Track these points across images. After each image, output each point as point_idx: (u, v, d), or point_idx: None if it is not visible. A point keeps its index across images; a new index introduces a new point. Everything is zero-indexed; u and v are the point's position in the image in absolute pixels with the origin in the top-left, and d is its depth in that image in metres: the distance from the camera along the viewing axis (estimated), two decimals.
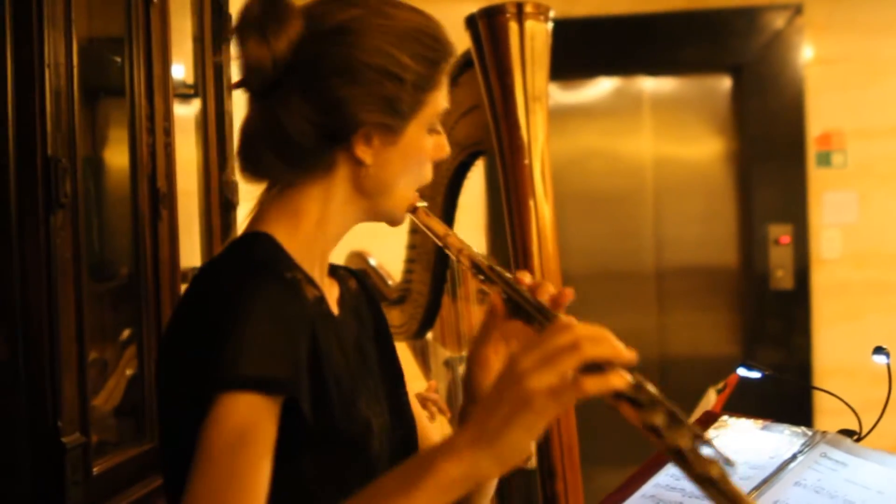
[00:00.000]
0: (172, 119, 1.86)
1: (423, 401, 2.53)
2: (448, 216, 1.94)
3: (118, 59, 1.80)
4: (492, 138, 1.78)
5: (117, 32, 1.80)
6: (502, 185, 1.76)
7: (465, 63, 1.82)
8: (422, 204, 1.31)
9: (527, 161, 1.74)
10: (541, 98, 1.76)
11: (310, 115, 1.21)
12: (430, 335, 2.81)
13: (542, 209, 1.74)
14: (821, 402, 4.49)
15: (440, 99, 1.28)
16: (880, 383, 1.32)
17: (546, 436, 1.69)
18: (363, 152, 1.23)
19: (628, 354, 1.02)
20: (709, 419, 1.28)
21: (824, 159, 4.69)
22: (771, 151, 4.72)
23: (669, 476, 1.18)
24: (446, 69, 1.29)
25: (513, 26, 1.72)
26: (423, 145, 1.27)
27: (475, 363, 1.30)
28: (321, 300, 1.25)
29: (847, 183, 4.68)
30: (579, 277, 4.66)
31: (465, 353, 2.91)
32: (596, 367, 0.99)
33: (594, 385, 0.98)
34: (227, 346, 1.10)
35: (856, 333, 4.63)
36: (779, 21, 4.71)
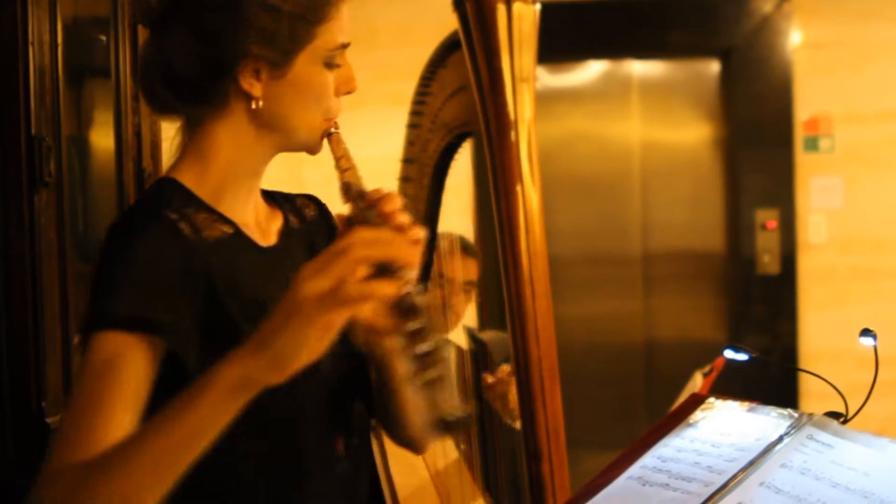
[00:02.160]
0: None
1: None
2: (435, 198, 1.94)
3: (103, 39, 1.78)
4: (479, 119, 1.77)
5: (103, 12, 1.79)
6: (489, 166, 1.75)
7: (453, 44, 1.81)
8: (335, 131, 1.33)
9: (514, 141, 1.73)
10: (528, 80, 1.75)
11: (192, 47, 1.25)
12: None
13: (529, 191, 1.74)
14: (806, 385, 4.51)
15: (333, 33, 1.29)
16: (866, 367, 1.32)
17: (532, 418, 1.69)
18: (250, 85, 1.26)
19: (407, 255, 1.06)
20: (695, 401, 1.28)
21: (812, 144, 4.69)
22: (758, 136, 4.72)
23: (656, 458, 1.19)
24: (339, 2, 1.30)
25: (500, 8, 1.71)
26: (317, 79, 1.29)
27: None
28: (235, 235, 1.28)
29: (834, 168, 4.69)
30: (566, 261, 4.67)
31: (447, 336, 2.91)
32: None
33: (357, 291, 1.02)
34: (102, 289, 1.17)
35: (841, 318, 4.65)
36: (767, 5, 4.70)
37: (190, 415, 1.06)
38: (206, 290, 1.21)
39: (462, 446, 2.56)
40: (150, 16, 1.27)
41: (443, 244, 2.40)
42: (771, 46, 4.71)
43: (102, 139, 1.82)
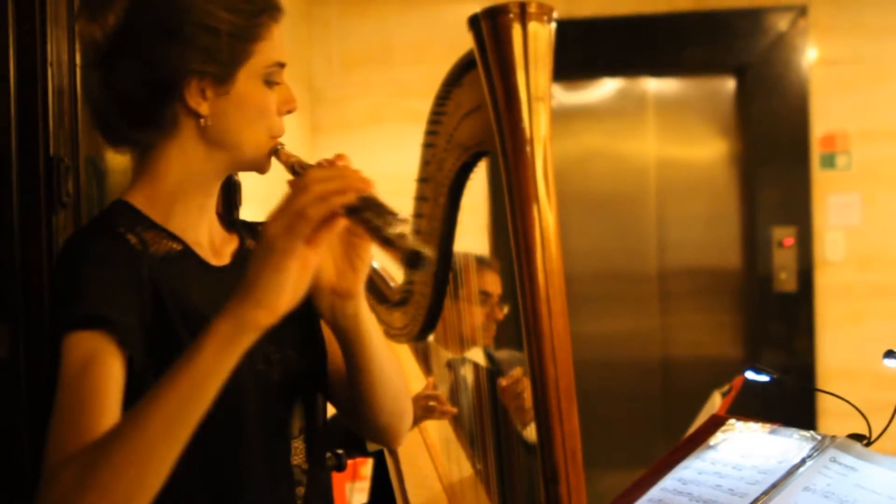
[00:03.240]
0: None
1: (424, 399, 2.53)
2: (451, 216, 1.93)
3: None
4: (495, 138, 1.76)
5: None
6: (505, 185, 1.75)
7: (468, 63, 1.81)
8: (281, 146, 1.39)
9: (530, 160, 1.72)
10: (544, 98, 1.74)
11: (139, 74, 1.31)
12: (431, 337, 2.80)
13: (545, 210, 1.73)
14: (824, 404, 4.48)
15: (269, 51, 1.36)
16: (884, 386, 1.31)
17: (548, 439, 1.68)
18: (197, 104, 1.33)
19: (360, 181, 1.16)
20: (716, 423, 1.27)
21: (828, 161, 4.67)
22: (775, 153, 4.71)
23: (676, 480, 1.18)
24: (269, 22, 1.37)
25: (516, 27, 1.71)
26: (258, 96, 1.36)
27: None
28: (184, 253, 1.35)
29: (851, 185, 4.67)
30: (582, 278, 4.65)
31: (467, 355, 2.91)
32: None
33: (317, 209, 1.12)
34: (64, 296, 1.25)
35: (859, 336, 4.62)
36: (783, 22, 4.70)
37: (192, 369, 1.12)
38: (153, 297, 1.28)
39: (478, 465, 2.55)
40: (98, 54, 1.34)
41: (459, 262, 2.40)
42: (787, 63, 4.70)
43: (119, 160, 1.83)
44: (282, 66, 1.39)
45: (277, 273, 1.12)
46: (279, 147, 1.39)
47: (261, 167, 1.40)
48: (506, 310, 2.99)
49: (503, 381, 2.67)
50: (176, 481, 1.16)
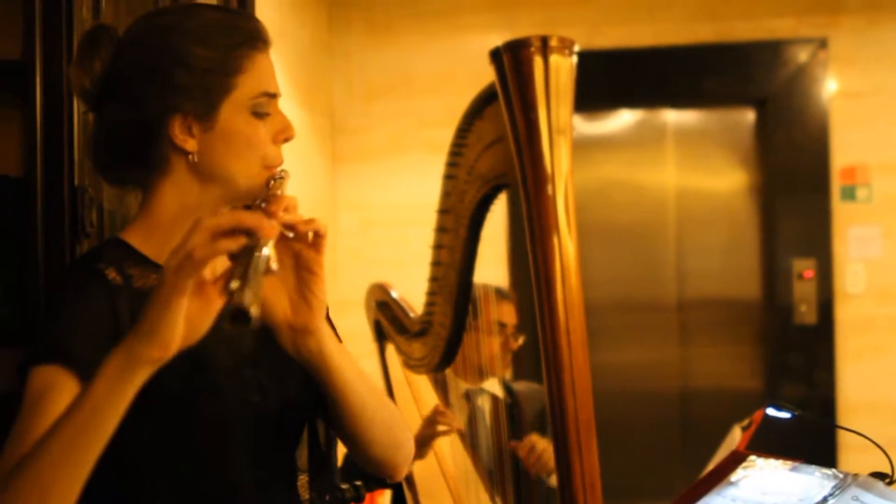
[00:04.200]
0: None
1: (433, 419, 2.52)
2: (471, 248, 1.94)
3: None
4: (515, 171, 1.77)
5: None
6: (525, 217, 1.75)
7: (490, 96, 1.82)
8: (281, 178, 1.38)
9: (551, 194, 1.73)
10: (565, 131, 1.75)
11: (124, 116, 1.34)
12: (448, 369, 2.80)
13: (566, 242, 1.73)
14: (845, 438, 4.44)
15: (253, 82, 1.36)
16: None
17: (568, 472, 1.68)
18: (183, 141, 1.34)
19: (251, 220, 1.14)
20: (736, 459, 1.26)
21: (849, 193, 4.66)
22: (795, 185, 4.70)
23: None
24: (251, 53, 1.37)
25: (537, 60, 1.72)
26: (245, 128, 1.36)
27: None
28: None
29: (871, 217, 4.65)
30: (601, 308, 4.64)
31: (483, 385, 2.90)
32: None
33: (202, 252, 1.11)
34: (38, 330, 1.31)
35: (880, 369, 4.59)
36: (803, 54, 4.70)
37: (88, 400, 1.13)
38: (129, 330, 1.26)
39: (497, 500, 2.54)
40: (88, 100, 1.37)
41: (479, 294, 2.40)
42: (807, 95, 4.70)
43: None
44: (271, 95, 1.39)
45: (167, 310, 1.11)
46: (278, 178, 1.38)
47: (257, 197, 1.38)
48: (521, 340, 2.98)
49: (520, 451, 2.64)
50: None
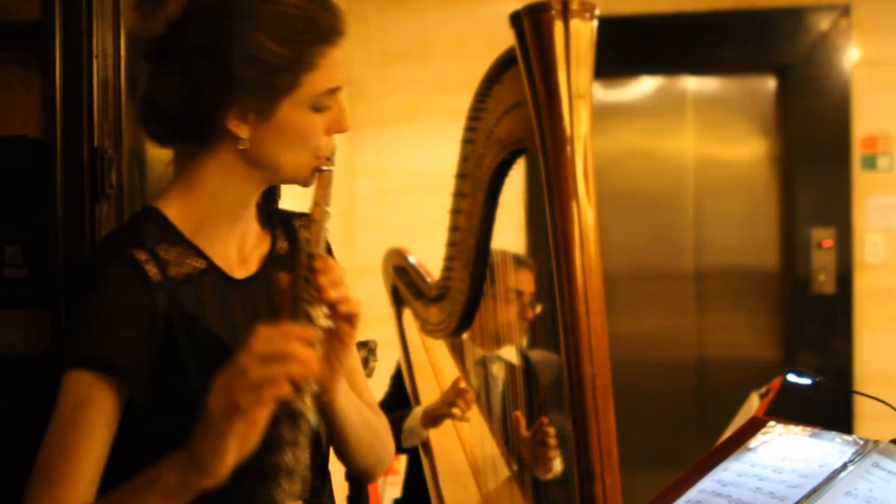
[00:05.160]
0: None
1: (452, 400, 2.53)
2: (489, 213, 1.93)
3: None
4: (534, 135, 1.76)
5: None
6: (544, 182, 1.74)
7: (509, 60, 1.80)
8: (327, 168, 1.36)
9: (570, 159, 1.72)
10: (585, 96, 1.74)
11: (179, 92, 1.29)
12: (465, 335, 2.80)
13: (585, 208, 1.72)
14: (861, 408, 4.44)
15: (321, 78, 1.31)
16: None
17: (584, 437, 1.68)
18: (237, 127, 1.30)
19: (302, 368, 1.13)
20: (756, 425, 1.26)
21: (869, 162, 4.62)
22: (815, 154, 4.66)
23: (715, 482, 1.17)
24: (326, 49, 1.31)
25: (558, 24, 1.70)
26: (302, 122, 1.31)
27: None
28: (205, 271, 1.33)
29: (892, 187, 4.61)
30: (618, 277, 4.64)
31: (499, 353, 2.91)
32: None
33: (249, 400, 1.11)
34: (73, 327, 1.26)
35: None
36: (825, 22, 4.65)
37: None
38: (165, 329, 1.28)
39: (513, 465, 2.54)
40: (146, 54, 1.31)
41: (496, 260, 2.40)
42: (828, 63, 4.65)
43: (160, 151, 1.84)
44: (334, 91, 1.34)
45: (214, 447, 1.13)
46: (325, 169, 1.35)
47: (303, 184, 1.38)
48: (538, 309, 2.97)
49: (523, 429, 2.63)
50: None
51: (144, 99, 1.33)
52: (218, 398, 1.12)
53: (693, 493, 1.17)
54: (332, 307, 1.26)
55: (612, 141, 4.77)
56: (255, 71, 1.27)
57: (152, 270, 1.28)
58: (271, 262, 1.42)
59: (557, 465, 2.63)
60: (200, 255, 1.34)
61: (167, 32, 1.28)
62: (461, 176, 1.93)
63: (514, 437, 2.61)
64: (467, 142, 1.90)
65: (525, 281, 2.98)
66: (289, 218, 1.51)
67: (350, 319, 1.28)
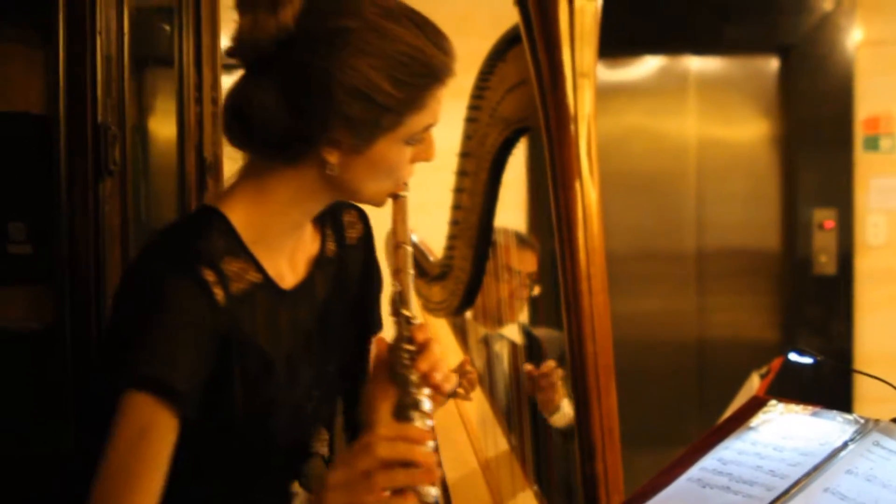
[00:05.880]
0: (220, 89, 1.87)
1: (458, 376, 2.53)
2: (491, 192, 1.93)
3: (167, 28, 1.80)
4: (538, 114, 1.76)
5: (167, 1, 1.80)
6: (548, 161, 1.74)
7: (513, 38, 1.80)
8: (404, 194, 1.33)
9: (573, 137, 1.72)
10: (589, 75, 1.74)
11: (279, 111, 1.22)
12: (468, 313, 2.81)
13: (588, 187, 1.73)
14: (861, 389, 4.45)
15: (424, 118, 1.27)
16: None
17: (586, 415, 1.68)
18: (329, 154, 1.25)
19: (428, 476, 1.16)
20: (757, 404, 1.26)
21: (872, 143, 4.61)
22: (817, 134, 4.66)
23: (716, 460, 1.17)
24: (436, 91, 1.28)
25: (562, 2, 1.70)
26: (393, 157, 1.28)
27: (364, 400, 1.37)
28: (260, 286, 1.29)
29: (894, 168, 4.61)
30: (620, 257, 4.63)
31: (501, 331, 2.91)
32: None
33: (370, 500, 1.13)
34: (138, 346, 1.19)
35: None
36: (828, 2, 4.63)
37: None
38: (220, 350, 1.24)
39: (514, 442, 2.55)
40: (247, 59, 1.25)
41: (499, 238, 2.40)
42: (832, 43, 4.64)
43: (164, 128, 1.84)
44: (431, 126, 1.30)
45: None
46: (401, 195, 1.33)
47: (375, 206, 1.35)
48: (537, 290, 2.98)
49: (533, 370, 2.65)
50: None
51: (234, 105, 1.27)
52: (337, 498, 1.14)
53: (694, 470, 1.17)
54: (436, 390, 1.28)
55: (614, 121, 4.76)
56: (363, 109, 1.22)
57: (219, 294, 1.23)
58: (318, 267, 1.39)
59: (567, 408, 2.65)
60: (258, 268, 1.29)
61: (275, 43, 1.22)
62: (464, 154, 1.93)
63: (525, 386, 2.63)
64: (471, 120, 1.90)
65: (527, 260, 2.98)
66: (338, 212, 1.46)
67: (445, 394, 1.31)
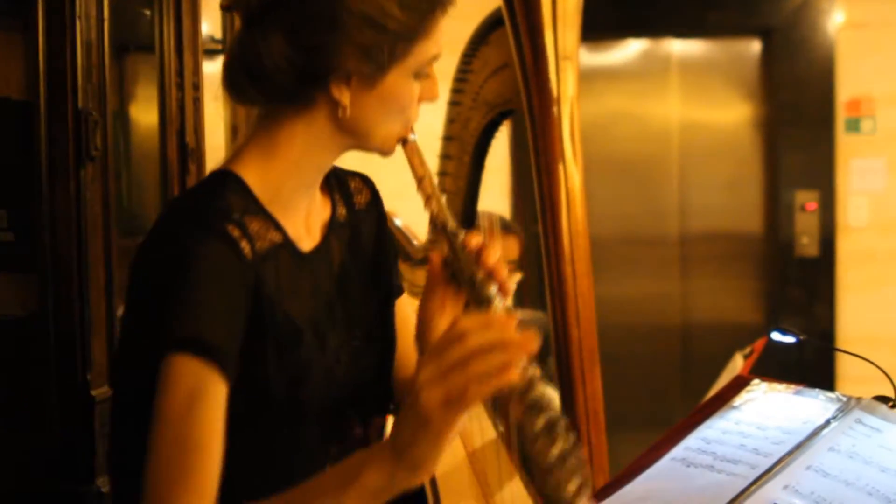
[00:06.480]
0: (201, 75, 1.86)
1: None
2: (475, 175, 1.93)
3: (148, 13, 1.79)
4: (521, 97, 1.76)
5: None
6: (531, 144, 1.75)
7: (495, 21, 1.80)
8: (413, 137, 1.31)
9: (556, 120, 1.72)
10: (571, 58, 1.74)
11: (287, 54, 1.21)
12: None
13: (571, 170, 1.73)
14: (844, 369, 4.48)
15: (430, 47, 1.27)
16: None
17: (571, 400, 1.69)
18: (340, 94, 1.24)
19: (523, 354, 1.09)
20: (740, 383, 1.27)
21: (853, 125, 4.63)
22: (799, 117, 4.67)
23: (700, 440, 1.18)
24: (439, 17, 1.27)
25: None
26: (404, 91, 1.27)
27: (421, 320, 1.33)
28: (281, 245, 1.26)
29: (876, 150, 4.63)
30: (603, 241, 4.64)
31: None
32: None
33: (477, 391, 1.05)
34: (175, 309, 1.14)
35: (880, 302, 4.61)
36: None
37: None
38: (252, 308, 1.21)
39: (500, 428, 2.56)
40: (249, 9, 1.24)
41: (482, 223, 2.40)
42: (813, 26, 4.65)
43: (146, 114, 1.84)
44: (436, 58, 1.29)
45: (436, 446, 1.07)
46: (410, 139, 1.30)
47: (385, 154, 1.33)
48: (518, 276, 2.97)
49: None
50: (233, 481, 1.15)
51: (238, 57, 1.25)
52: (433, 393, 1.06)
53: (678, 450, 1.18)
54: (501, 284, 1.24)
55: (597, 105, 4.76)
56: (374, 35, 1.21)
57: (246, 248, 1.20)
58: (332, 231, 1.37)
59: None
60: (278, 227, 1.27)
61: None
62: (447, 138, 1.93)
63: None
64: (454, 103, 1.90)
65: (510, 247, 2.98)
66: (344, 179, 1.45)
67: (508, 291, 1.26)
